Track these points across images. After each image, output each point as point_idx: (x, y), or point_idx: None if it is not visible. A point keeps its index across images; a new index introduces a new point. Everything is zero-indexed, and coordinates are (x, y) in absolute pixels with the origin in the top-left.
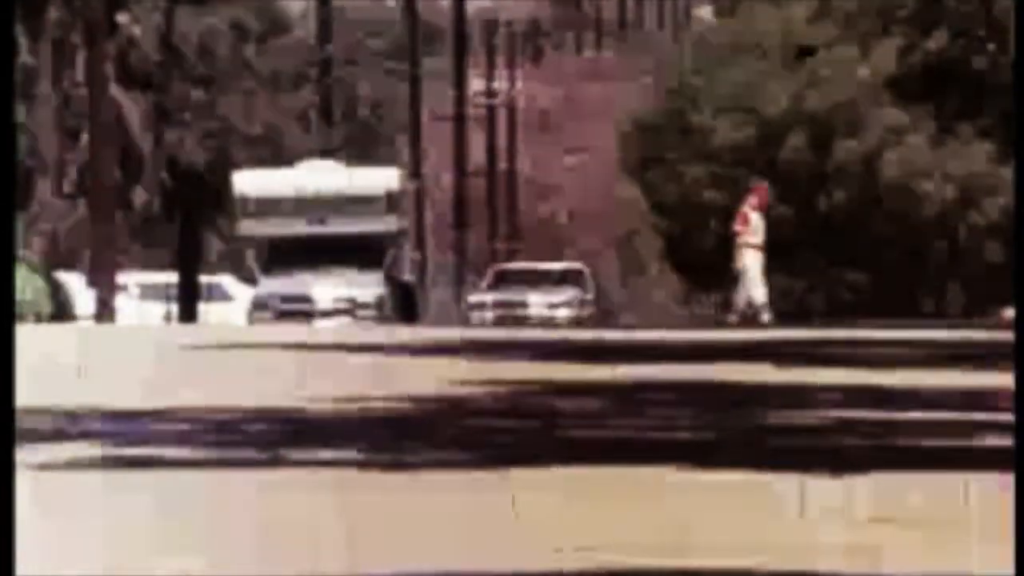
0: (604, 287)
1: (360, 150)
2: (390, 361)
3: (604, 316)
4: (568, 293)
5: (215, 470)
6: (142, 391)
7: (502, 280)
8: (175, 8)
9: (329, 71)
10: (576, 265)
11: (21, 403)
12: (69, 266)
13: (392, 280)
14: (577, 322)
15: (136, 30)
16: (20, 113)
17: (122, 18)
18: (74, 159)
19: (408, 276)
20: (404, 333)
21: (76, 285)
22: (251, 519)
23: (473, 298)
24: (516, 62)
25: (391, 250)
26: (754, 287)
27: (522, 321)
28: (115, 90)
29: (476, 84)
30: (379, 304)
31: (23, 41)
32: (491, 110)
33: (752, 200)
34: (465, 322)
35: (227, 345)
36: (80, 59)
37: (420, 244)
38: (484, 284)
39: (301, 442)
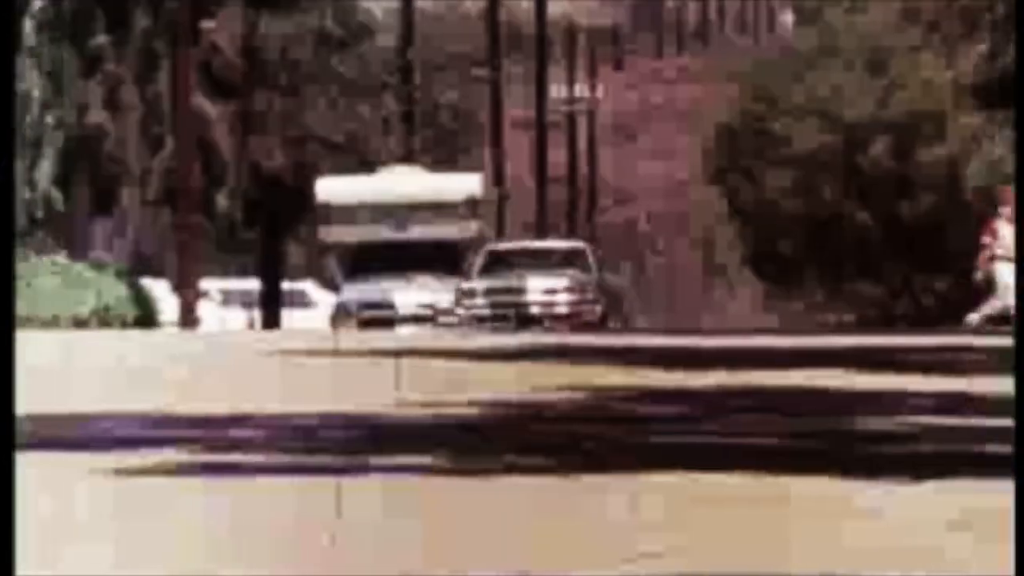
0: (611, 275)
1: (442, 156)
2: (472, 366)
3: (612, 306)
4: (569, 278)
5: (296, 475)
6: (225, 397)
7: (496, 263)
8: (259, 15)
9: (411, 77)
10: (578, 244)
11: (106, 408)
12: (153, 272)
13: None
14: (579, 315)
15: (220, 38)
16: (106, 121)
17: (207, 26)
18: (158, 166)
19: None
20: (484, 338)
21: (160, 291)
22: (329, 524)
23: (464, 285)
24: (597, 67)
25: (472, 256)
26: (1005, 297)
27: (522, 313)
28: (199, 98)
29: (557, 90)
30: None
31: (109, 50)
32: (571, 116)
33: (1006, 210)
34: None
35: (309, 351)
36: (165, 67)
37: None
38: (475, 269)
39: (382, 447)
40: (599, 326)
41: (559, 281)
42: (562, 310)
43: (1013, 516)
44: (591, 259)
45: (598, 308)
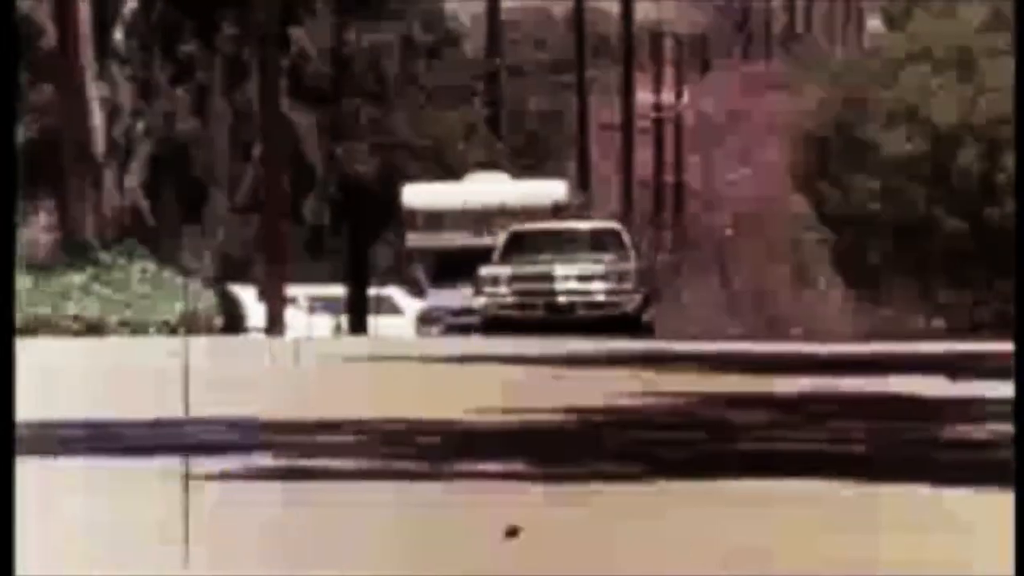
0: (650, 264)
1: (527, 162)
2: (554, 372)
3: (651, 295)
4: (605, 264)
5: (382, 480)
6: (312, 403)
7: (520, 246)
8: (347, 23)
9: (497, 84)
10: (612, 224)
11: (196, 413)
12: (241, 279)
13: None
14: (616, 306)
15: (308, 45)
16: (195, 129)
17: (295, 33)
18: (246, 173)
19: None
20: (566, 344)
21: (248, 298)
22: (414, 529)
23: (485, 271)
24: (683, 73)
25: None
26: None
27: (551, 303)
28: (287, 105)
29: (643, 96)
30: None
31: (198, 58)
32: (658, 121)
33: None
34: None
35: (395, 357)
36: (253, 74)
37: None
38: (496, 253)
39: (467, 453)
40: (638, 319)
41: (593, 268)
42: (597, 299)
43: (1013, 516)
44: (627, 241)
45: (637, 297)
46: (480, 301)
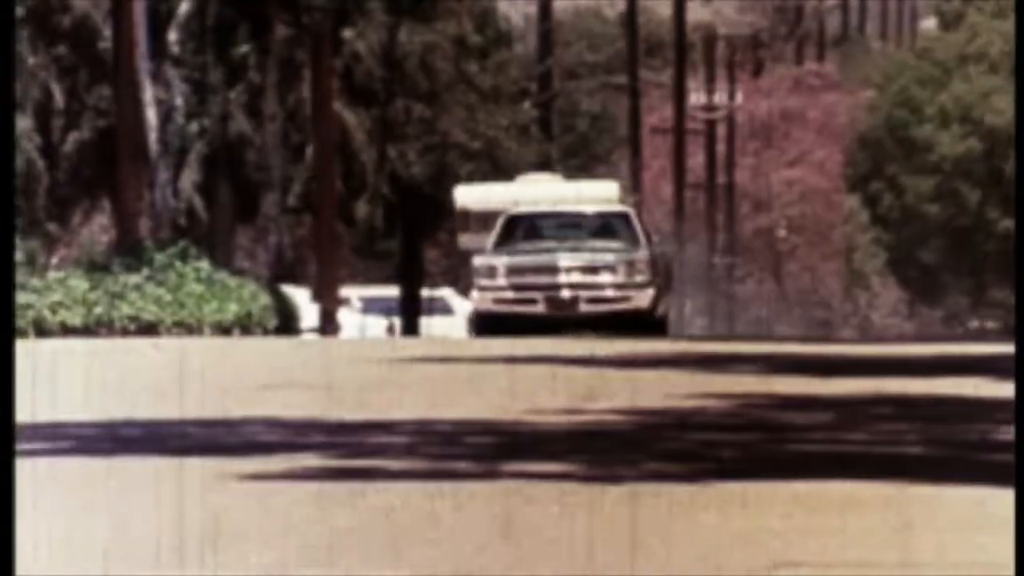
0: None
1: (579, 163)
2: (608, 373)
3: (665, 289)
4: (614, 253)
5: (433, 481)
6: (364, 403)
7: (518, 233)
8: (399, 24)
9: (549, 85)
10: (622, 208)
11: (249, 413)
12: (294, 280)
13: None
14: (625, 300)
15: (361, 46)
16: (248, 130)
17: (348, 34)
18: (299, 174)
19: None
20: (620, 345)
21: (301, 299)
22: (467, 531)
23: (479, 260)
24: (736, 74)
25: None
26: None
27: (553, 297)
28: (339, 106)
29: (695, 97)
30: None
31: (252, 59)
32: (710, 123)
33: None
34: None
35: (449, 358)
36: (306, 75)
37: None
38: (491, 240)
39: (519, 454)
40: (651, 315)
41: (601, 257)
42: (605, 293)
43: (1013, 516)
44: (638, 228)
45: (650, 291)
46: (474, 295)
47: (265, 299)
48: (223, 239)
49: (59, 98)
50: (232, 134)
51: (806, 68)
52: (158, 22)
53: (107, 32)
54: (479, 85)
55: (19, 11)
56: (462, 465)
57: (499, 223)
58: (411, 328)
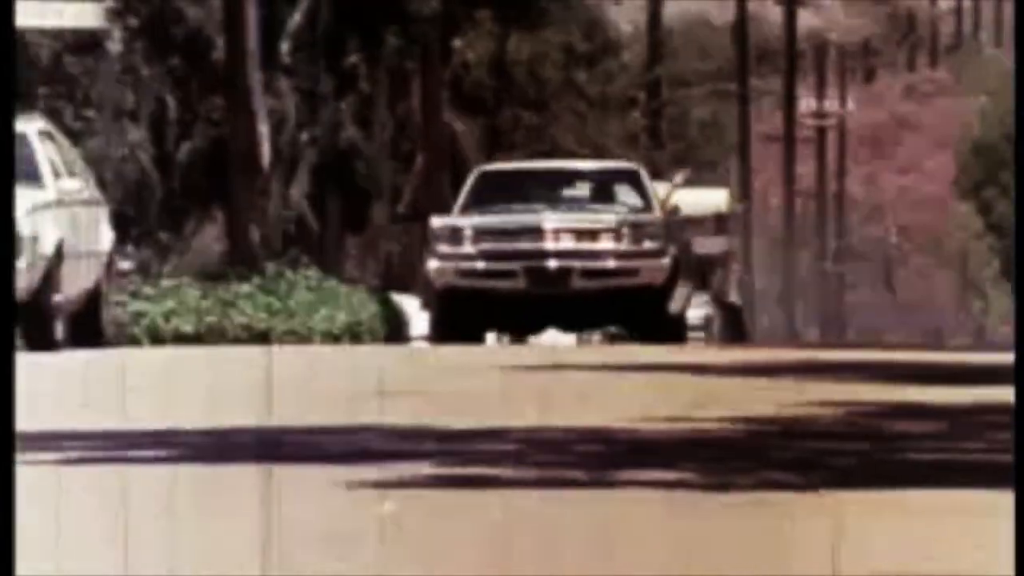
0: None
1: (688, 171)
2: (718, 382)
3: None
4: (615, 214)
5: (546, 489)
6: (474, 410)
7: (493, 191)
8: (508, 33)
9: (658, 93)
10: (627, 164)
11: (356, 422)
12: (404, 288)
13: (719, 301)
14: (632, 273)
15: (470, 55)
16: (358, 139)
17: (457, 44)
18: (409, 183)
19: (736, 297)
20: (730, 353)
21: (411, 307)
22: (580, 538)
23: (438, 222)
24: (847, 81)
25: (719, 271)
26: None
27: (536, 268)
28: (448, 115)
29: (806, 104)
30: (706, 325)
31: (362, 69)
32: (821, 130)
33: None
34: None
35: (556, 365)
36: (415, 85)
37: (748, 265)
38: (459, 201)
39: (632, 463)
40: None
41: (600, 218)
42: (605, 264)
43: (1013, 517)
44: (648, 188)
45: (665, 262)
46: (431, 266)
47: (374, 307)
48: (333, 248)
49: (173, 109)
50: (342, 143)
51: (918, 75)
52: (270, 33)
53: (220, 43)
54: (588, 93)
55: (133, 22)
56: (573, 473)
57: (468, 181)
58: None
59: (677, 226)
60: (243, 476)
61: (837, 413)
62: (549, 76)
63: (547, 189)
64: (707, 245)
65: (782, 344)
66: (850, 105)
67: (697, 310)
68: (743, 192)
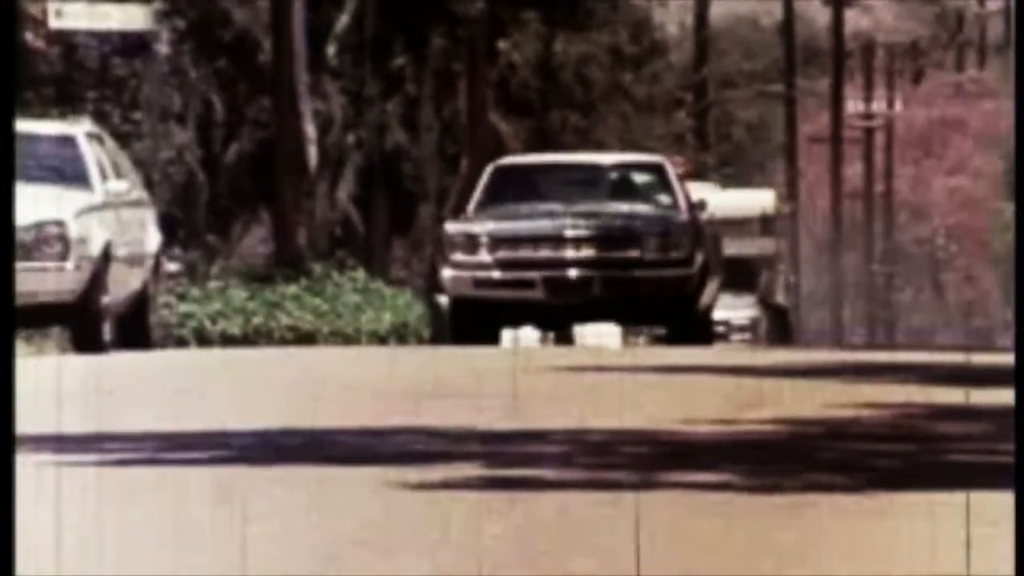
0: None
1: (735, 172)
2: (764, 383)
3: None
4: (643, 220)
5: (591, 491)
6: (519, 412)
7: (508, 191)
8: (554, 35)
9: (705, 94)
10: (653, 157)
11: (405, 423)
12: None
13: (766, 303)
14: (656, 283)
15: (516, 57)
16: (404, 141)
17: (503, 45)
18: (455, 185)
19: (782, 299)
20: (777, 355)
21: None
22: (626, 540)
23: (453, 227)
24: (895, 82)
25: (765, 273)
26: None
27: (556, 279)
28: (494, 116)
29: (853, 105)
30: (753, 327)
31: (408, 71)
32: (868, 131)
33: None
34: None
35: (601, 367)
36: (461, 87)
37: (795, 267)
38: (473, 201)
39: (675, 463)
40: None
41: (622, 225)
42: (630, 273)
43: (1013, 517)
44: (677, 186)
45: (692, 271)
46: (445, 275)
47: (420, 309)
48: (379, 249)
49: (220, 111)
50: (388, 145)
51: (966, 75)
52: (317, 35)
53: (267, 45)
54: (634, 95)
55: (181, 24)
56: (619, 475)
57: (483, 177)
58: (566, 337)
59: (703, 223)
60: (292, 477)
61: (884, 415)
62: (595, 77)
63: (567, 185)
64: (753, 247)
65: (828, 346)
66: (898, 106)
67: (743, 311)
68: (790, 193)
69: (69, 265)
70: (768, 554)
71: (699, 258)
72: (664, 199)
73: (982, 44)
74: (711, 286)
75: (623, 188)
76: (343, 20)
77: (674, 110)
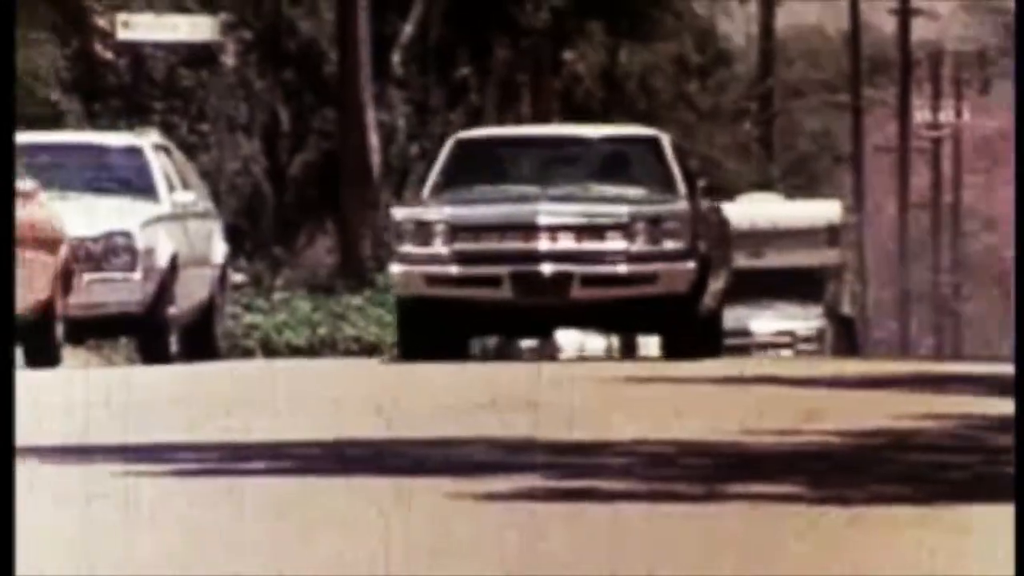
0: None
1: (801, 182)
2: (829, 394)
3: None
4: (630, 203)
5: (654, 503)
6: (580, 423)
7: (470, 171)
8: (619, 45)
9: (770, 103)
10: (647, 130)
11: (467, 434)
12: None
13: (832, 313)
14: (650, 278)
15: (580, 67)
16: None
17: (567, 56)
18: None
19: (848, 310)
20: (844, 366)
21: None
22: (689, 552)
23: (402, 213)
24: (962, 92)
25: (831, 283)
26: None
27: (525, 274)
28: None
29: (920, 115)
30: (819, 337)
31: (472, 81)
32: (936, 141)
33: None
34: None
35: (660, 378)
36: (525, 97)
37: (861, 277)
38: (429, 183)
39: (740, 476)
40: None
41: (610, 209)
42: (614, 271)
43: (1013, 517)
44: (674, 165)
45: (691, 265)
46: (393, 270)
47: None
48: None
49: (285, 122)
50: None
51: None
52: (381, 45)
53: (333, 56)
54: (699, 105)
55: (247, 36)
56: (681, 487)
57: (442, 153)
58: (629, 349)
59: (706, 209)
60: (358, 488)
61: (946, 426)
62: (660, 87)
63: (542, 164)
64: (820, 257)
65: (895, 356)
66: (965, 115)
67: (810, 322)
68: (856, 203)
69: (136, 276)
70: (834, 564)
71: (700, 251)
72: (660, 180)
73: None
74: (716, 285)
75: (609, 167)
76: (408, 30)
77: (739, 120)
